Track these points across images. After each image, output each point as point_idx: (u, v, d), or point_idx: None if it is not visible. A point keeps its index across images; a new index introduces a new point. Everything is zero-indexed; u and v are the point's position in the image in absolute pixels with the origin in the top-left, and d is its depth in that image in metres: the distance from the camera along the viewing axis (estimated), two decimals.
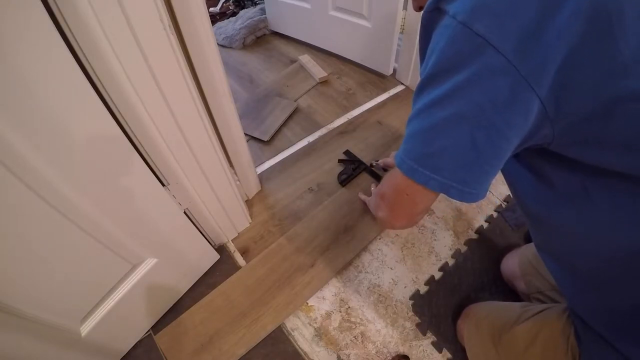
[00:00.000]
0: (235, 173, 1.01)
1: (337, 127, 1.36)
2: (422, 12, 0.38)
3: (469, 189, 0.38)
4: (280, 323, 0.89)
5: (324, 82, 1.55)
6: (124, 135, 0.59)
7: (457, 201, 1.04)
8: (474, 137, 0.35)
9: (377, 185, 1.08)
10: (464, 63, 0.34)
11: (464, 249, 1.03)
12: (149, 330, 0.89)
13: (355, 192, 1.13)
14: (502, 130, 0.35)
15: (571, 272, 0.51)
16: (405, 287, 0.96)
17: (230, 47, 1.77)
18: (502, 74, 0.32)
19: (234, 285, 0.95)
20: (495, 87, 0.33)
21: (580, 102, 0.33)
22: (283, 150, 1.29)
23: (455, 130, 0.36)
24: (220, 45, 1.78)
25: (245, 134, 1.01)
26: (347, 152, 1.25)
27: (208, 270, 0.98)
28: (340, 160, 1.23)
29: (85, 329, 0.70)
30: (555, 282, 0.58)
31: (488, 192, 1.15)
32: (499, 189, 1.17)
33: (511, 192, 0.52)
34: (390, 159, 1.09)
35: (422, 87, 0.38)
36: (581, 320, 0.52)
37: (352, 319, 0.91)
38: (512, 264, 0.88)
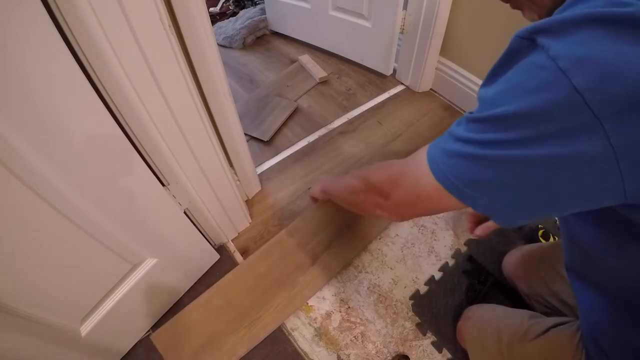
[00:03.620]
0: (235, 173, 1.01)
1: (337, 127, 1.36)
2: (514, 35, 0.34)
3: (514, 219, 0.37)
4: (281, 323, 0.89)
5: (324, 82, 1.55)
6: (124, 135, 0.59)
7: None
8: (540, 183, 0.33)
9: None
10: (554, 115, 0.30)
11: (464, 249, 1.03)
12: (149, 330, 0.89)
13: None
14: (570, 189, 0.33)
15: (611, 303, 0.48)
16: (405, 287, 0.96)
17: (230, 47, 1.77)
18: (589, 135, 0.29)
19: (233, 284, 0.94)
20: (580, 150, 0.30)
21: None
22: (283, 150, 1.29)
23: (525, 170, 0.33)
24: (220, 45, 1.77)
25: (245, 134, 1.01)
26: (471, 259, 1.02)
27: (208, 270, 0.99)
28: (464, 272, 1.00)
29: (85, 329, 0.70)
30: (578, 306, 0.56)
31: None
32: None
33: (560, 222, 0.48)
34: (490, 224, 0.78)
35: (494, 119, 0.34)
36: (596, 348, 0.51)
37: (352, 319, 0.91)
38: (515, 262, 0.87)
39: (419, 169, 0.42)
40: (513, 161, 0.33)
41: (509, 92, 0.33)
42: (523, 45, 0.32)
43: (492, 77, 0.36)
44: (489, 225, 0.74)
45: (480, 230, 0.74)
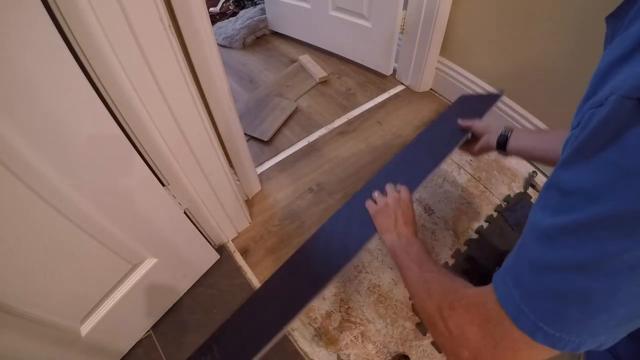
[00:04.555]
0: (235, 173, 1.01)
1: (337, 127, 1.36)
2: (615, 95, 0.23)
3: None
4: None
5: (324, 82, 1.55)
6: (124, 136, 0.59)
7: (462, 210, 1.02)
8: None
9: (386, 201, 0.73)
10: None
11: (463, 249, 1.03)
12: (149, 330, 0.89)
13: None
14: None
15: None
16: (405, 287, 0.96)
17: (230, 47, 1.77)
18: None
19: None
20: None
21: None
22: (283, 150, 1.29)
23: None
24: (220, 46, 1.78)
25: (245, 134, 1.01)
26: (471, 259, 1.01)
27: (208, 270, 0.98)
28: (464, 272, 0.98)
29: (85, 329, 0.70)
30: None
31: (488, 193, 1.16)
32: (499, 189, 1.17)
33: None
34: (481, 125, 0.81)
35: (600, 222, 0.23)
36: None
37: (352, 319, 0.91)
38: None
39: (505, 331, 0.29)
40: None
41: (620, 179, 0.22)
42: (632, 108, 0.22)
43: (581, 153, 0.25)
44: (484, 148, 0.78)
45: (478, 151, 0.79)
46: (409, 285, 0.53)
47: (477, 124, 0.84)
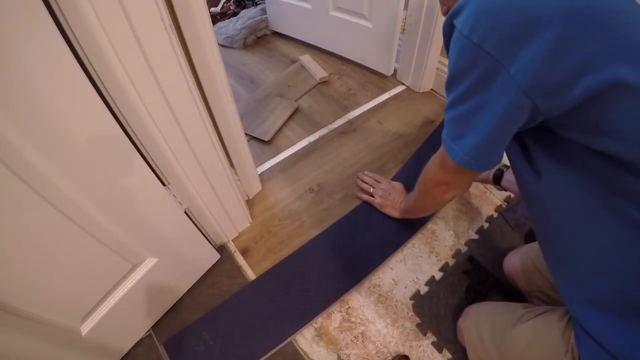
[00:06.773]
0: (236, 173, 1.01)
1: (338, 127, 1.36)
2: (443, 24, 0.47)
3: (484, 162, 0.50)
4: None
5: (324, 82, 1.55)
6: (125, 135, 0.59)
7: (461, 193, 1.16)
8: (487, 122, 0.45)
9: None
10: (471, 68, 0.43)
11: (464, 249, 1.03)
12: (149, 330, 0.89)
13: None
14: (504, 116, 0.44)
15: (565, 265, 0.55)
16: (405, 287, 0.96)
17: (231, 47, 1.77)
18: (496, 74, 0.41)
19: None
20: (493, 83, 0.42)
21: (565, 99, 0.39)
22: (284, 150, 1.29)
23: (474, 118, 0.46)
24: (221, 45, 1.78)
25: (246, 134, 1.01)
26: (471, 259, 1.01)
27: (208, 270, 0.99)
28: (464, 272, 0.99)
29: (85, 328, 0.70)
30: (554, 281, 0.59)
31: (489, 193, 1.16)
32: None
33: (514, 175, 0.59)
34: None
35: (448, 85, 0.48)
36: (578, 323, 0.52)
37: (352, 319, 0.91)
38: (514, 261, 0.88)
39: (443, 149, 0.55)
40: (466, 110, 0.47)
41: (449, 61, 0.47)
42: (447, 28, 0.46)
43: (447, 54, 0.49)
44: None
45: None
46: (420, 204, 0.87)
47: None
